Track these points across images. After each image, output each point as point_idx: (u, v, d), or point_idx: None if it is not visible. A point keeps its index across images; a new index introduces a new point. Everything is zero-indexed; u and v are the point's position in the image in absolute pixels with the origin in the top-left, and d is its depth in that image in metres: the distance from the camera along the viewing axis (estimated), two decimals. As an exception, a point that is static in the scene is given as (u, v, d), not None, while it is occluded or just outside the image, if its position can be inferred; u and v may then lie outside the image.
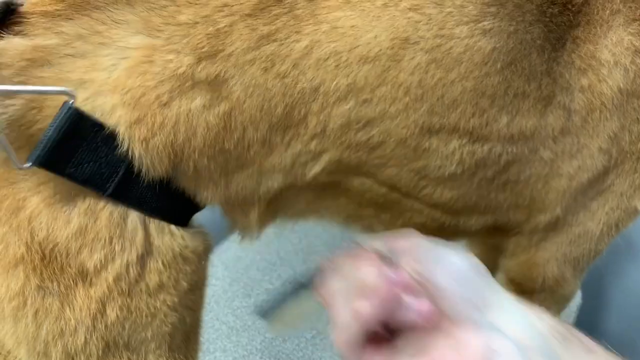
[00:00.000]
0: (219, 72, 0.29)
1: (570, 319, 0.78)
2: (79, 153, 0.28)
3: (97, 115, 0.28)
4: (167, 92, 0.29)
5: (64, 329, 0.29)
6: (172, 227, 0.31)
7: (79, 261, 0.28)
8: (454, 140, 0.35)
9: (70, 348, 0.29)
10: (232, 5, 0.29)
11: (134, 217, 0.30)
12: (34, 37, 0.27)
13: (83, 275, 0.29)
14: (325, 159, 0.34)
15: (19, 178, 0.28)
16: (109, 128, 0.28)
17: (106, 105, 0.28)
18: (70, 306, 0.29)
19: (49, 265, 0.28)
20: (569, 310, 0.79)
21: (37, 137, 0.27)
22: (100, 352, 0.30)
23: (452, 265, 0.24)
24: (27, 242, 0.28)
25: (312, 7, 0.30)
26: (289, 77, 0.30)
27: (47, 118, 0.27)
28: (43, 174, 0.28)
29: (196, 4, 0.29)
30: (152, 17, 0.28)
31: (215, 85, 0.29)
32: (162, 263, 0.30)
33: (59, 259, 0.28)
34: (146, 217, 0.30)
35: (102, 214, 0.29)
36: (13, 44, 0.27)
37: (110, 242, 0.29)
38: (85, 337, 0.29)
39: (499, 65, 0.33)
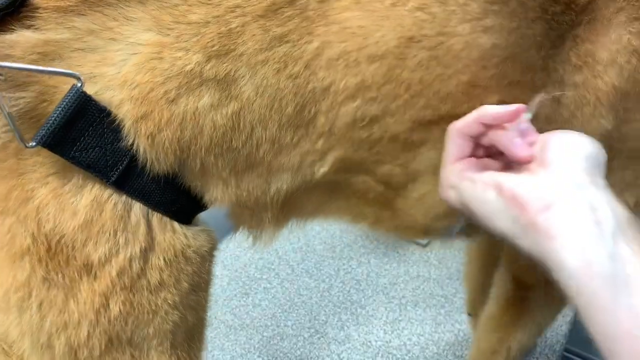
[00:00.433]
0: (229, 71, 0.29)
1: (569, 318, 0.78)
2: (85, 137, 0.28)
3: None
4: (175, 88, 0.29)
5: (67, 322, 0.29)
6: (175, 224, 0.32)
7: (84, 254, 0.29)
8: (437, 127, 0.35)
9: (74, 341, 0.29)
10: (245, 7, 0.29)
11: (137, 210, 0.30)
12: (46, 31, 0.27)
13: (88, 268, 0.29)
14: (331, 157, 0.34)
15: (28, 169, 0.28)
16: (116, 115, 0.28)
17: (114, 99, 0.28)
18: (75, 299, 0.29)
19: (54, 257, 0.28)
20: (568, 310, 0.79)
21: None
22: (103, 346, 0.30)
23: (583, 143, 0.30)
24: (33, 233, 0.28)
25: (323, 8, 0.30)
26: (301, 77, 0.31)
27: None
28: (51, 165, 0.28)
29: (208, 4, 0.29)
30: (163, 15, 0.29)
31: (224, 84, 0.30)
32: (164, 260, 0.31)
33: (64, 251, 0.28)
34: (149, 211, 0.30)
35: (107, 206, 0.29)
36: (25, 37, 0.27)
37: (115, 235, 0.29)
38: (89, 331, 0.29)
39: (496, 60, 0.34)
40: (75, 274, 0.29)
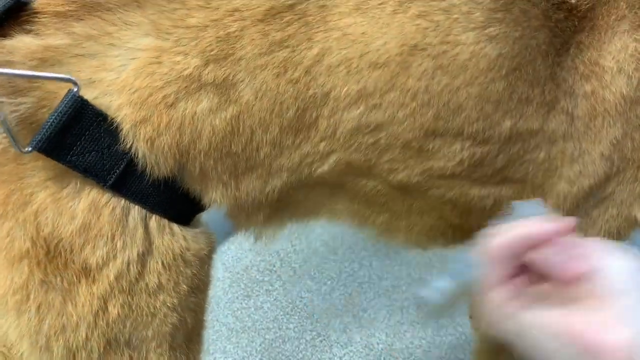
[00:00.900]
0: (227, 75, 0.29)
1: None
2: (81, 141, 0.28)
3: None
4: (174, 93, 0.29)
5: (65, 325, 0.29)
6: (174, 226, 0.32)
7: (82, 257, 0.29)
8: (457, 142, 0.35)
9: (72, 344, 0.29)
10: (243, 11, 0.29)
11: (135, 214, 0.30)
12: (45, 37, 0.28)
13: (86, 272, 0.29)
14: (332, 159, 0.34)
15: (27, 173, 0.28)
16: (112, 120, 0.28)
17: (113, 104, 0.28)
18: (73, 302, 0.29)
19: (53, 260, 0.28)
20: None
21: None
22: (102, 348, 0.30)
23: (625, 261, 0.26)
24: (32, 237, 0.28)
25: (323, 13, 0.30)
26: (301, 82, 0.31)
27: None
28: (50, 169, 0.28)
29: (206, 7, 0.29)
30: (162, 19, 0.29)
31: (223, 88, 0.30)
32: (162, 264, 0.31)
33: (63, 254, 0.29)
34: (147, 215, 0.30)
35: (105, 210, 0.29)
36: (25, 43, 0.27)
37: (113, 239, 0.29)
38: (87, 334, 0.29)
39: (504, 71, 0.34)
40: (74, 277, 0.29)
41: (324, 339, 0.80)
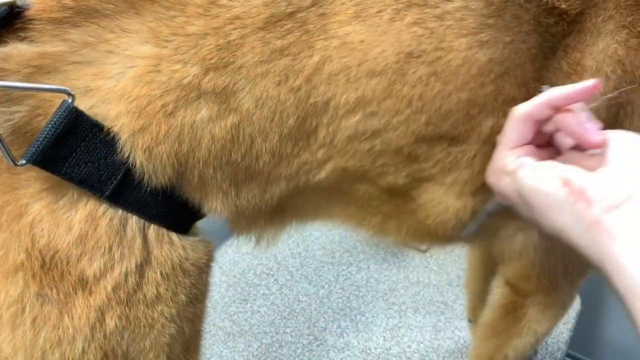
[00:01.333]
0: (227, 84, 0.29)
1: (570, 325, 0.78)
2: (77, 153, 0.27)
3: (100, 122, 0.28)
4: (173, 101, 0.28)
5: (62, 338, 0.29)
6: (173, 235, 0.31)
7: (79, 269, 0.28)
8: (438, 144, 0.35)
9: (68, 357, 0.29)
10: (244, 19, 0.29)
11: (132, 224, 0.29)
12: (40, 44, 0.27)
13: (83, 284, 0.28)
14: (329, 166, 0.34)
15: (22, 184, 0.28)
16: (108, 130, 0.28)
17: (110, 113, 0.28)
18: (69, 314, 0.28)
19: (49, 272, 0.28)
20: (568, 317, 0.79)
21: None
22: None
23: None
24: (27, 249, 0.27)
25: (323, 21, 0.30)
26: (302, 90, 0.30)
27: None
28: (45, 180, 0.28)
29: (206, 15, 0.29)
30: (161, 27, 0.28)
31: (223, 96, 0.29)
32: (161, 274, 0.30)
33: (59, 266, 0.28)
34: (145, 225, 0.30)
35: (102, 221, 0.29)
36: (19, 51, 0.27)
37: (110, 250, 0.29)
38: (83, 346, 0.29)
39: (492, 76, 0.34)
40: (70, 289, 0.28)
41: (321, 343, 0.80)
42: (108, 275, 0.29)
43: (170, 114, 0.29)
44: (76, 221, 0.28)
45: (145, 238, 0.30)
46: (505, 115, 0.35)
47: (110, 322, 0.29)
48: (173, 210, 0.31)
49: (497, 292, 0.54)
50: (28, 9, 0.27)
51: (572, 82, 0.36)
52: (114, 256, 0.29)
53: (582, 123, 0.29)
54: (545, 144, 0.32)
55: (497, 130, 0.36)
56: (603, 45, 0.36)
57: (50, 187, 0.28)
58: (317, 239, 1.02)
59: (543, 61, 0.35)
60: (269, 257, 0.98)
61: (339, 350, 0.78)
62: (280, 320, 0.84)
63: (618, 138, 0.28)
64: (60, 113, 0.26)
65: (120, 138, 0.28)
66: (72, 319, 0.28)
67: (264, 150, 0.31)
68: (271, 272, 0.95)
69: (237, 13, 0.29)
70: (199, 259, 0.33)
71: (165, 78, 0.28)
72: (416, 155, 0.36)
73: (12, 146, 0.26)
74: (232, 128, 0.30)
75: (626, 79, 0.37)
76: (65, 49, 0.27)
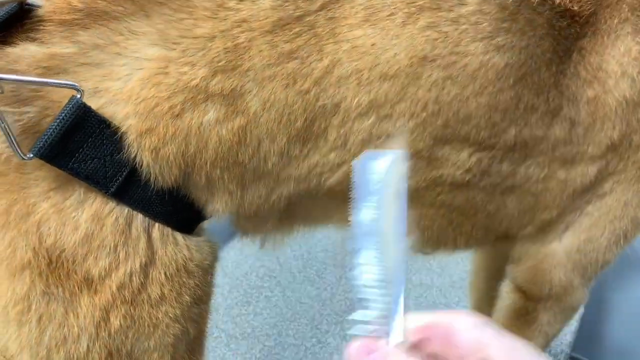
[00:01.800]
0: (235, 86, 0.29)
1: (572, 327, 0.77)
2: (84, 148, 0.27)
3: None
4: (180, 103, 0.29)
5: (67, 336, 0.29)
6: (178, 236, 0.31)
7: (84, 268, 0.28)
8: (464, 150, 0.36)
9: (73, 355, 0.29)
10: (251, 22, 0.29)
11: (138, 224, 0.30)
12: (50, 45, 0.27)
13: (88, 282, 0.29)
14: (342, 170, 0.34)
15: (30, 183, 0.28)
16: (117, 127, 0.28)
17: (118, 114, 0.28)
18: (74, 313, 0.29)
19: (55, 271, 0.28)
20: (573, 320, 0.78)
21: None
22: None
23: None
24: (34, 247, 0.28)
25: (332, 25, 0.30)
26: (310, 93, 0.31)
27: None
28: (53, 179, 0.28)
29: (214, 18, 0.29)
30: (169, 29, 0.29)
31: (230, 99, 0.30)
32: (165, 275, 0.30)
33: (65, 265, 0.28)
34: (150, 224, 0.30)
35: (108, 220, 0.29)
36: (30, 52, 0.27)
37: (115, 250, 0.29)
38: (88, 345, 0.29)
39: (511, 81, 0.34)
40: (76, 288, 0.29)
41: (324, 346, 0.80)
42: (113, 275, 0.29)
43: (177, 115, 0.29)
44: (82, 220, 0.28)
45: (149, 238, 0.30)
46: (527, 124, 0.35)
47: (115, 322, 0.29)
48: (178, 209, 0.32)
49: (508, 297, 0.54)
50: (38, 7, 0.28)
51: (594, 91, 0.36)
52: (119, 256, 0.29)
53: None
54: None
55: (521, 139, 0.36)
56: (624, 47, 0.36)
57: (57, 186, 0.28)
58: (319, 241, 1.02)
59: (559, 66, 0.35)
60: (272, 259, 0.98)
61: (342, 352, 0.78)
62: (283, 323, 0.84)
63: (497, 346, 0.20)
64: (69, 108, 0.26)
65: (127, 138, 0.28)
66: (78, 317, 0.29)
67: (272, 152, 0.32)
68: (274, 275, 0.95)
69: (244, 16, 0.29)
70: (203, 260, 0.33)
71: (173, 80, 0.28)
72: (438, 159, 0.35)
73: (21, 146, 0.27)
74: (239, 130, 0.30)
75: None
76: (75, 50, 0.28)
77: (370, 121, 0.32)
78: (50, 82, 0.27)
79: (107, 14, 0.28)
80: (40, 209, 0.28)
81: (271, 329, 0.84)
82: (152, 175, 0.29)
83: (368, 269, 0.22)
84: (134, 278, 0.29)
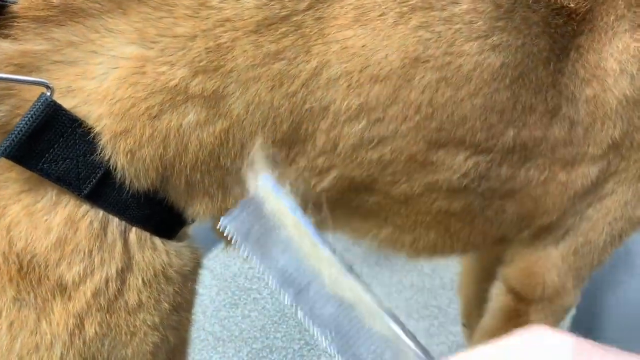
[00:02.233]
0: (217, 88, 0.28)
1: (564, 328, 0.77)
2: (55, 148, 0.26)
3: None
4: (158, 104, 0.28)
5: (39, 344, 0.28)
6: (156, 240, 0.31)
7: (57, 273, 0.28)
8: (460, 153, 0.35)
9: None
10: (235, 21, 0.28)
11: (113, 228, 0.29)
12: (23, 42, 0.26)
13: (61, 288, 0.28)
14: (332, 175, 0.34)
15: (0, 185, 0.27)
16: (90, 127, 0.27)
17: (92, 114, 0.27)
18: (47, 320, 0.28)
19: (26, 276, 0.27)
20: (564, 321, 0.78)
21: None
22: None
23: None
24: (4, 252, 0.27)
25: (320, 25, 0.30)
26: (297, 96, 0.30)
27: None
28: (24, 181, 0.27)
29: (195, 17, 0.28)
30: (147, 27, 0.28)
31: (212, 100, 0.29)
32: (142, 281, 0.30)
33: (37, 270, 0.27)
34: (126, 228, 0.29)
35: (82, 224, 0.28)
36: (1, 48, 0.26)
37: (90, 255, 0.28)
38: (62, 353, 0.28)
39: (507, 81, 0.33)
40: (48, 294, 0.28)
41: (312, 348, 0.79)
42: (88, 281, 0.28)
43: (155, 117, 0.28)
44: (55, 224, 0.27)
45: (126, 242, 0.29)
46: (526, 125, 0.34)
47: (90, 329, 0.28)
48: (156, 213, 0.31)
49: (499, 299, 0.54)
50: (13, 3, 0.27)
51: (593, 89, 0.36)
52: (94, 261, 0.28)
53: None
54: None
55: (519, 140, 0.35)
56: (622, 45, 0.36)
57: (29, 188, 0.27)
58: (310, 243, 1.01)
59: (556, 64, 0.35)
60: (261, 261, 0.97)
61: (330, 355, 0.77)
62: (271, 325, 0.84)
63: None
64: (37, 106, 0.25)
65: (101, 139, 0.27)
66: (50, 324, 0.28)
67: None
68: (262, 276, 0.94)
69: (228, 15, 0.28)
70: (183, 266, 0.32)
71: (150, 80, 0.28)
72: (433, 163, 0.34)
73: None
74: (221, 133, 0.29)
75: None
76: (48, 47, 0.27)
77: (361, 125, 0.32)
78: (18, 79, 0.26)
79: (83, 11, 0.27)
80: (10, 212, 0.27)
81: (259, 331, 0.83)
82: (127, 178, 0.29)
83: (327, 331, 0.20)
84: (110, 284, 0.29)
